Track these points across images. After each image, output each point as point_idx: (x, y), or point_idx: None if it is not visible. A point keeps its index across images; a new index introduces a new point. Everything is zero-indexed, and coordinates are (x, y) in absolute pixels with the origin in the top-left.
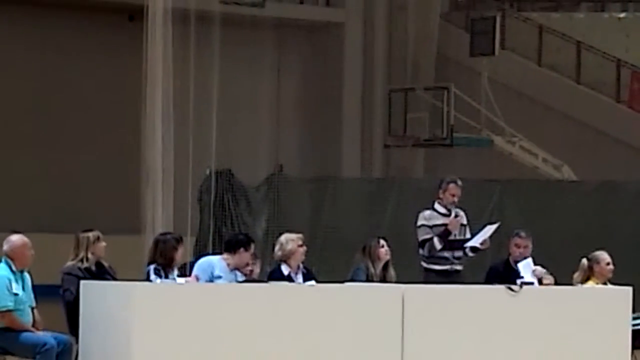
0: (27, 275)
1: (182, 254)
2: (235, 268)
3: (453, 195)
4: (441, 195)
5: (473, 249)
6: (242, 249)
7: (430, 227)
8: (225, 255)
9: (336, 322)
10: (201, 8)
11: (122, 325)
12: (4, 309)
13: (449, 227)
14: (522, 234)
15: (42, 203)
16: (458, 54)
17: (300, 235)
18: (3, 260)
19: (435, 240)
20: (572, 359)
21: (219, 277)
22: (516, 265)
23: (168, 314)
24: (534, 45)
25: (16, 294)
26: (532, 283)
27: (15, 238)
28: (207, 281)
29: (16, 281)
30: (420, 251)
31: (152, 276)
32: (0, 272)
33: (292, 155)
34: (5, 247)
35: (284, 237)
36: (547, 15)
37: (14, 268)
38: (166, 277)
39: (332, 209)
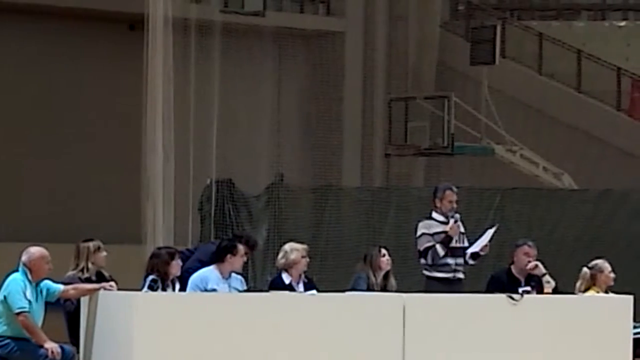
0: (43, 286)
1: (178, 267)
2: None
3: (451, 202)
4: (438, 204)
5: (473, 255)
6: (229, 256)
7: (431, 235)
8: (216, 266)
9: (337, 331)
10: (201, 17)
11: (123, 335)
12: (20, 310)
13: (450, 232)
14: (530, 243)
15: (43, 213)
16: (458, 63)
17: (305, 247)
18: (20, 269)
19: (438, 247)
20: None
21: (213, 290)
22: (519, 274)
23: (169, 323)
24: (534, 54)
25: (29, 301)
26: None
27: (34, 250)
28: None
29: (31, 291)
30: (422, 261)
31: (145, 288)
32: (17, 277)
33: (293, 165)
34: (24, 257)
35: (288, 246)
36: (547, 23)
37: (29, 278)
38: (163, 289)
39: (333, 218)
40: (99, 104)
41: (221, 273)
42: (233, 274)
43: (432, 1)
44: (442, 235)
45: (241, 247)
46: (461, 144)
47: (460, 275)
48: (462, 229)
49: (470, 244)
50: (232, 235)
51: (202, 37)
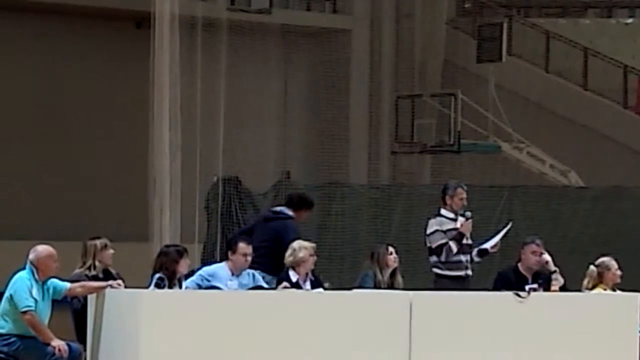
0: (50, 285)
1: (186, 266)
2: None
3: (462, 200)
4: (449, 201)
5: (481, 252)
6: (229, 252)
7: (444, 231)
8: (226, 262)
9: (344, 329)
10: (208, 15)
11: (130, 332)
12: (27, 309)
13: (462, 229)
14: (538, 241)
15: (50, 211)
16: (465, 61)
17: (313, 245)
18: (27, 267)
19: (452, 244)
20: None
21: (215, 287)
22: (526, 271)
23: (176, 321)
24: (541, 52)
25: (35, 300)
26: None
27: (42, 248)
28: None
29: (37, 289)
30: (434, 258)
31: (152, 286)
32: (23, 276)
33: (299, 162)
34: (31, 255)
35: (297, 244)
36: (554, 21)
37: (36, 276)
38: (170, 287)
39: (340, 215)
40: (105, 102)
41: (230, 269)
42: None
43: None
44: (454, 232)
45: (241, 245)
46: (468, 142)
47: (469, 272)
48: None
49: (473, 242)
50: (288, 197)
51: (209, 35)
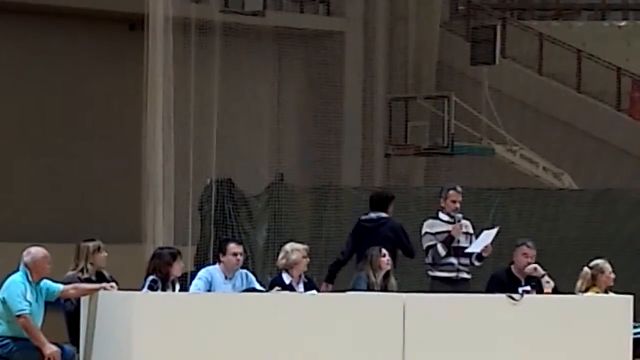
0: (43, 286)
1: (179, 268)
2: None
3: (454, 202)
4: (443, 204)
5: (479, 257)
6: (220, 254)
7: (433, 234)
8: (218, 264)
9: (337, 331)
10: (202, 17)
11: (122, 335)
12: (21, 312)
13: (452, 233)
14: (529, 243)
15: (43, 212)
16: (458, 63)
17: (306, 247)
18: (21, 269)
19: (439, 246)
20: None
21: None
22: (519, 274)
23: (169, 323)
24: (534, 54)
25: (29, 303)
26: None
27: (36, 250)
28: (207, 290)
29: (31, 292)
30: (426, 260)
31: (145, 289)
32: (17, 279)
33: (293, 164)
34: (26, 258)
35: (289, 246)
36: (547, 23)
37: (30, 279)
38: (164, 289)
39: (333, 218)
40: (99, 104)
41: (223, 272)
42: (239, 270)
43: (432, 1)
44: (445, 235)
45: (231, 245)
46: (461, 144)
47: (465, 275)
48: (470, 230)
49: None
50: (370, 202)
51: (202, 37)
